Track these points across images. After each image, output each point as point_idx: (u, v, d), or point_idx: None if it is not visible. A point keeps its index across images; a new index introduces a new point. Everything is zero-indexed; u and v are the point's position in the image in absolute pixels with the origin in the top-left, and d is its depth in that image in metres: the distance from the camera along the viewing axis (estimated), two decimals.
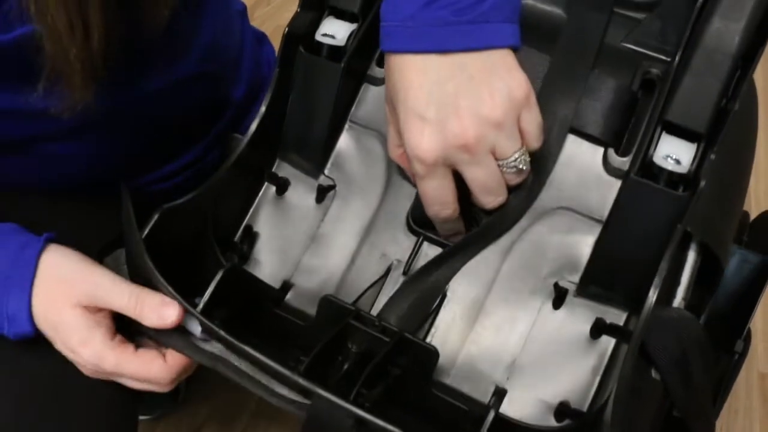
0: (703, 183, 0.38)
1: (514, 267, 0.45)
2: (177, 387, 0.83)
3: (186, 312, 0.39)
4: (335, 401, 0.35)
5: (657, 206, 0.40)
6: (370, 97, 0.50)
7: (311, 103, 0.48)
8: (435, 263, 0.44)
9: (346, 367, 0.39)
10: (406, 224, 0.47)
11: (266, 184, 0.50)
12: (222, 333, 0.37)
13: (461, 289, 0.45)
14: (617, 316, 0.43)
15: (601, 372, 0.42)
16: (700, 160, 0.40)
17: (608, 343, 0.43)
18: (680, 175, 0.40)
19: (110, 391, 0.46)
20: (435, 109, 0.38)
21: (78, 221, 0.53)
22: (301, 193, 0.50)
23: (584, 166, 0.45)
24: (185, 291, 0.39)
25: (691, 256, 0.42)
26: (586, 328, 0.43)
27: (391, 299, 0.44)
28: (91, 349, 0.40)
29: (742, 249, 0.53)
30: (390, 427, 0.34)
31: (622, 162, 0.44)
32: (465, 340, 0.44)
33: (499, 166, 0.40)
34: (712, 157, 0.39)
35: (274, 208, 0.50)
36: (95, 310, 0.41)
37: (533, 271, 0.45)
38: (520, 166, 0.40)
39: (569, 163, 0.45)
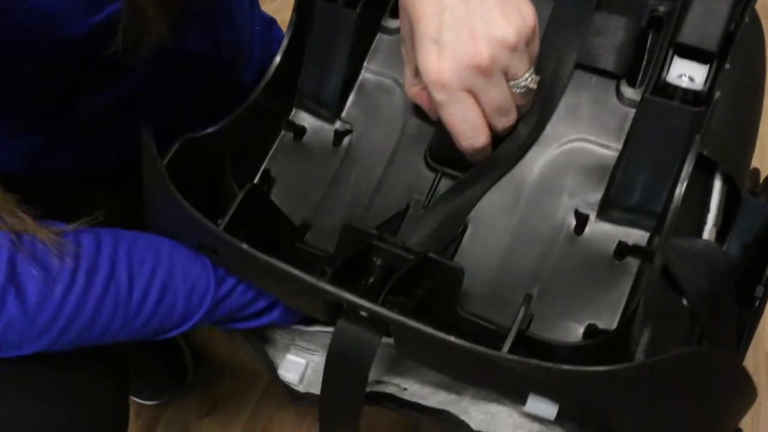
0: (717, 94, 0.39)
1: (534, 196, 0.46)
2: (185, 371, 0.82)
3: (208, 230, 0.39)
4: (365, 304, 0.35)
5: (673, 123, 0.41)
6: (384, 46, 0.51)
7: (327, 50, 0.49)
8: (454, 191, 0.45)
9: (371, 280, 0.39)
10: (424, 162, 0.48)
11: (283, 131, 0.51)
12: (245, 246, 0.37)
13: (483, 218, 0.46)
14: (640, 238, 0.43)
15: (627, 293, 0.42)
16: (713, 79, 0.41)
17: (633, 264, 0.43)
18: (695, 93, 0.41)
19: (98, 377, 0.46)
20: (449, 33, 0.39)
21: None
22: (318, 139, 0.50)
23: (598, 99, 0.46)
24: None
25: (717, 184, 0.43)
26: (610, 251, 0.43)
27: (413, 226, 0.44)
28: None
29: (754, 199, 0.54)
30: (422, 326, 0.34)
31: (636, 92, 0.45)
32: (489, 267, 0.44)
33: (510, 87, 0.41)
34: (727, 66, 0.40)
35: (292, 153, 0.50)
36: None
37: (553, 200, 0.45)
38: (531, 86, 0.41)
39: (583, 97, 0.46)
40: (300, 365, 0.49)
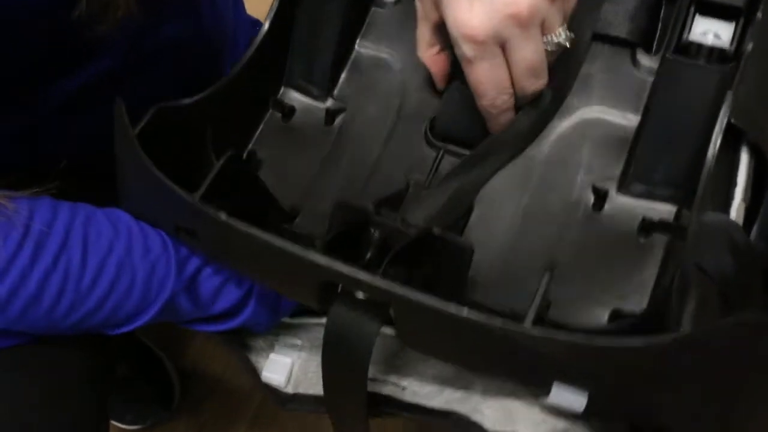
0: (749, 49, 0.36)
1: (547, 173, 0.41)
2: (171, 393, 0.77)
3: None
4: (362, 276, 0.30)
5: (698, 85, 0.37)
6: (378, 20, 0.47)
7: (317, 25, 0.46)
8: (462, 168, 0.41)
9: (368, 256, 0.35)
10: (424, 139, 0.44)
11: (271, 111, 0.47)
12: (224, 215, 0.33)
13: (490, 197, 0.41)
14: (666, 213, 0.39)
15: (655, 273, 0.38)
16: (740, 36, 0.38)
17: (660, 241, 0.38)
18: (721, 51, 0.38)
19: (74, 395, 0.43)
20: None
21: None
22: (308, 119, 0.46)
23: (613, 68, 0.42)
24: None
25: (744, 157, 0.39)
26: (633, 228, 0.39)
27: (414, 206, 0.40)
28: None
29: None
30: (428, 298, 0.29)
31: (653, 59, 0.42)
32: (499, 250, 0.40)
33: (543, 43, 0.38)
34: (750, 46, 0.36)
35: (281, 135, 0.46)
36: None
37: (568, 176, 0.41)
38: (564, 42, 0.38)
39: (597, 67, 0.43)
40: (285, 365, 0.44)
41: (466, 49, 0.37)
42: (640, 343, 0.27)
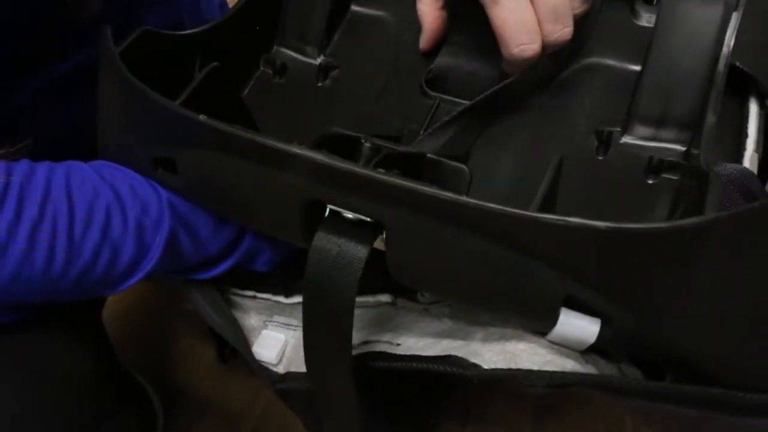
0: None
1: (550, 119, 0.40)
2: (153, 422, 0.71)
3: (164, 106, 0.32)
4: (345, 166, 0.27)
5: (702, 18, 0.36)
6: None
7: None
8: (465, 115, 0.39)
9: (360, 163, 0.32)
10: (420, 91, 0.42)
11: (262, 68, 0.45)
12: (203, 117, 0.30)
13: (487, 144, 0.39)
14: (674, 154, 0.37)
15: (665, 215, 0.35)
16: None
17: (669, 183, 0.36)
18: None
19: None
20: None
21: None
22: (301, 76, 0.45)
23: (612, 19, 0.42)
24: None
25: (753, 108, 0.38)
26: (641, 170, 0.37)
27: (411, 147, 0.38)
28: None
29: None
30: (426, 186, 0.26)
31: (652, 9, 0.41)
32: (501, 196, 0.37)
33: None
34: None
35: (271, 92, 0.45)
36: None
37: (569, 122, 0.39)
38: None
39: (596, 19, 0.42)
40: (278, 341, 0.41)
41: None
42: (662, 227, 0.25)
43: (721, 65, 0.35)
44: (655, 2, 0.42)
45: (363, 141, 0.33)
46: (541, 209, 0.27)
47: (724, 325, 0.28)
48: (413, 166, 0.33)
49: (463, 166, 0.33)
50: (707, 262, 0.26)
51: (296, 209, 0.32)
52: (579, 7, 0.37)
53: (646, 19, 0.41)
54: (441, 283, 0.32)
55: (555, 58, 0.39)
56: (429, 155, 0.33)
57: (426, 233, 0.29)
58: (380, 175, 0.27)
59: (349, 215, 0.31)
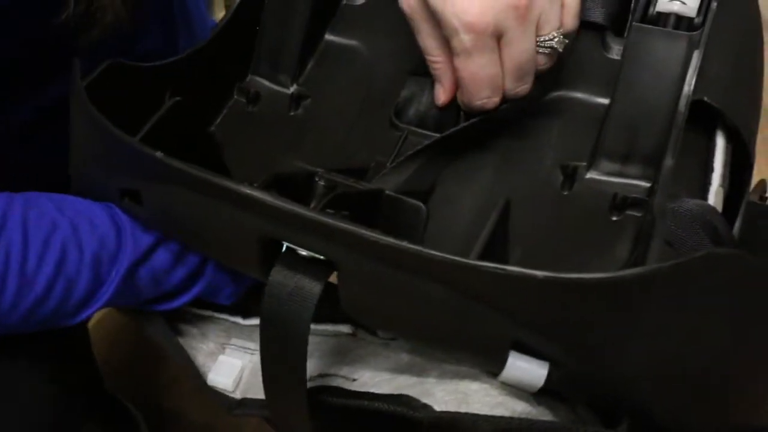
0: (714, 4, 0.35)
1: (516, 152, 0.40)
2: None
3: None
4: (297, 210, 0.28)
5: (666, 54, 0.36)
6: (350, 13, 0.47)
7: (287, 14, 0.46)
8: (426, 151, 0.38)
9: (312, 205, 0.32)
10: (389, 123, 0.42)
11: (235, 97, 0.46)
12: (159, 153, 0.30)
13: (453, 176, 0.39)
14: (638, 191, 0.37)
15: (627, 252, 0.35)
16: (707, 6, 0.37)
17: (633, 220, 0.36)
18: (689, 20, 0.37)
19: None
20: None
21: None
22: (273, 106, 0.45)
23: (583, 52, 0.41)
24: None
25: (720, 142, 0.37)
26: (605, 206, 0.37)
27: (374, 182, 0.38)
28: None
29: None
30: (373, 232, 0.26)
31: (623, 41, 0.41)
32: (464, 232, 0.37)
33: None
34: (714, 5, 0.36)
35: (244, 120, 0.45)
36: None
37: (535, 156, 0.39)
38: (557, 46, 0.37)
39: (567, 51, 0.42)
40: (234, 367, 0.41)
41: (465, 40, 0.35)
42: (602, 277, 0.24)
43: (682, 105, 0.35)
44: (626, 35, 0.41)
45: (317, 179, 0.33)
46: (483, 255, 0.27)
47: (669, 373, 0.27)
48: (370, 203, 0.33)
49: (420, 204, 0.33)
50: (649, 310, 0.26)
51: (253, 245, 0.32)
52: (544, 63, 0.37)
53: (617, 52, 0.41)
54: (391, 322, 0.32)
55: (520, 102, 0.39)
56: (387, 192, 0.33)
57: (374, 274, 0.29)
58: (325, 218, 0.28)
59: (303, 252, 0.31)
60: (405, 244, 0.26)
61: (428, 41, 0.38)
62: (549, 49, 0.37)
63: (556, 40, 0.37)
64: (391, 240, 0.26)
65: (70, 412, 0.45)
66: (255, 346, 0.41)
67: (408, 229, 0.33)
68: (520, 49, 0.36)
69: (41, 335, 0.38)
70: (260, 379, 0.40)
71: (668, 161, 0.32)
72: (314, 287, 0.31)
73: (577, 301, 0.26)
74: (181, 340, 0.42)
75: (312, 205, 0.33)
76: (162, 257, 0.37)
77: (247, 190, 0.29)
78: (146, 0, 0.48)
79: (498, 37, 0.35)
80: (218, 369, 0.41)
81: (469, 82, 0.37)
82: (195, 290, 0.39)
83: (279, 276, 0.31)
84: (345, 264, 0.30)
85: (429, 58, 0.39)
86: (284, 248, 0.32)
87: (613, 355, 0.27)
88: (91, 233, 0.36)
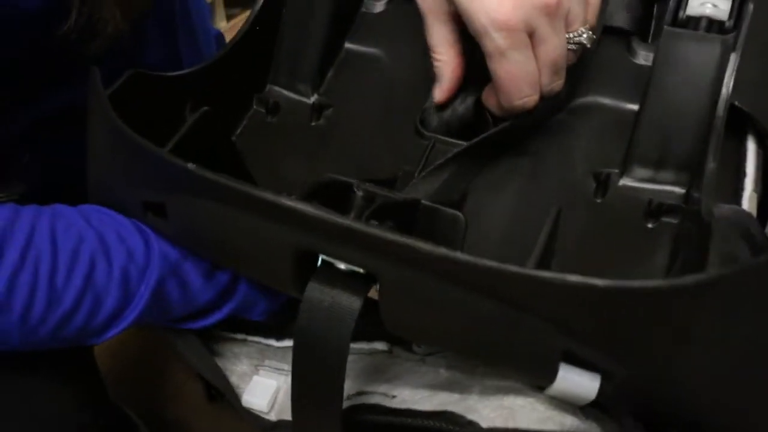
0: (747, 22, 0.34)
1: (547, 160, 0.39)
2: None
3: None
4: (337, 220, 0.26)
5: (699, 57, 0.36)
6: (368, 18, 0.47)
7: (305, 21, 0.45)
8: (459, 158, 0.38)
9: (351, 215, 0.31)
10: (414, 131, 0.42)
11: (254, 108, 0.45)
12: (191, 165, 0.29)
13: (488, 184, 0.38)
14: (674, 197, 0.36)
15: (666, 260, 0.34)
16: (738, 9, 0.37)
17: (669, 226, 0.35)
18: (720, 24, 0.36)
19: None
20: None
21: None
22: (294, 116, 0.44)
23: (609, 57, 0.41)
24: None
25: (752, 147, 0.37)
26: (640, 213, 0.36)
27: (405, 191, 0.37)
28: None
29: None
30: (417, 241, 0.26)
31: (650, 47, 0.40)
32: (497, 241, 0.36)
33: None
34: (750, 7, 0.36)
35: (264, 131, 0.44)
36: None
37: (566, 163, 0.39)
38: (585, 42, 0.36)
39: (593, 57, 0.41)
40: (269, 388, 0.40)
41: (498, 39, 0.34)
42: (663, 284, 0.24)
43: (721, 109, 0.34)
44: (650, 40, 0.41)
45: (355, 189, 0.32)
46: (539, 265, 0.27)
47: (729, 382, 0.27)
48: (408, 213, 0.32)
49: (459, 214, 0.32)
50: (709, 317, 0.25)
51: (288, 259, 0.31)
52: (572, 60, 0.37)
53: (643, 57, 0.40)
54: (435, 336, 0.31)
55: (552, 101, 0.38)
56: (424, 202, 0.33)
57: (419, 287, 0.28)
58: (372, 229, 0.27)
59: (342, 266, 0.30)
60: (461, 255, 0.25)
61: (437, 38, 0.38)
62: (577, 45, 0.37)
63: (584, 36, 0.37)
64: (446, 251, 0.25)
65: (75, 421, 0.43)
66: (289, 367, 0.40)
67: (446, 239, 0.32)
68: (553, 45, 0.35)
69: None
70: None
71: (710, 165, 0.31)
72: (353, 302, 0.30)
73: (635, 309, 0.25)
74: (216, 360, 0.41)
75: (352, 215, 0.32)
76: (192, 272, 0.36)
77: (289, 203, 0.28)
78: (148, 11, 0.48)
79: (530, 34, 0.35)
80: (253, 390, 0.40)
81: (507, 81, 0.36)
82: (227, 307, 0.38)
83: (315, 292, 0.30)
84: (388, 277, 0.29)
85: (434, 55, 0.39)
86: (320, 262, 0.31)
87: (669, 365, 0.26)
88: (119, 246, 0.35)
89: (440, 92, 0.40)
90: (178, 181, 0.32)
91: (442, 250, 0.25)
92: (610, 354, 0.27)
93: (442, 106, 0.41)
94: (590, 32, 0.37)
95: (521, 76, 0.35)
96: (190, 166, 0.30)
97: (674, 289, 0.24)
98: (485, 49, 0.35)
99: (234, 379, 0.40)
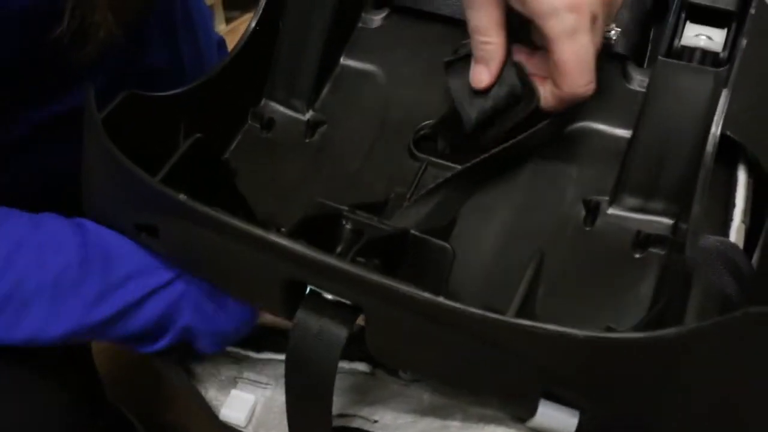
0: (744, 44, 0.34)
1: (535, 186, 0.39)
2: None
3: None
4: (325, 260, 0.27)
5: (692, 90, 0.36)
6: (365, 34, 0.47)
7: (302, 38, 0.45)
8: (451, 182, 0.38)
9: (339, 248, 0.32)
10: (407, 152, 0.42)
11: (249, 123, 0.45)
12: (182, 196, 0.30)
13: (475, 209, 0.39)
14: (662, 227, 0.36)
15: (651, 291, 0.35)
16: (733, 41, 0.37)
17: (656, 257, 0.36)
18: (714, 56, 0.36)
19: None
20: None
21: None
22: (288, 131, 0.44)
23: (604, 81, 0.41)
24: None
25: (742, 176, 0.37)
26: (628, 243, 0.36)
27: (396, 212, 0.37)
28: None
29: None
30: (402, 284, 0.26)
31: (644, 72, 0.40)
32: (486, 265, 0.37)
33: None
34: (744, 43, 0.36)
35: (258, 147, 0.44)
36: None
37: (557, 190, 0.39)
38: (613, 38, 0.37)
39: None
40: (247, 402, 0.40)
41: (569, 20, 0.33)
42: (642, 337, 0.24)
43: (710, 146, 0.34)
44: (645, 65, 0.41)
45: (344, 222, 0.32)
46: (521, 310, 0.27)
47: (708, 422, 0.27)
48: (396, 244, 0.32)
49: (447, 246, 0.33)
50: (688, 365, 0.26)
51: (277, 287, 0.32)
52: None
53: (638, 83, 0.40)
54: (419, 366, 0.32)
55: (554, 123, 0.38)
56: (413, 232, 0.33)
57: (404, 323, 0.28)
58: (358, 270, 0.27)
59: (329, 296, 0.31)
60: (442, 300, 0.25)
61: (487, 20, 0.37)
62: (606, 41, 0.36)
63: (612, 32, 0.37)
64: (428, 296, 0.25)
65: (74, 422, 0.44)
66: (267, 380, 0.41)
67: (434, 269, 0.33)
68: (601, 36, 0.35)
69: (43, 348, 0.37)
70: (273, 414, 0.39)
71: (696, 208, 0.32)
72: (341, 332, 0.30)
73: (615, 358, 0.25)
74: (193, 371, 0.41)
75: (339, 249, 0.32)
76: (129, 294, 0.36)
77: (278, 239, 0.28)
78: (146, 13, 0.47)
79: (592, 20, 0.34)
80: (231, 404, 0.40)
81: (574, 64, 0.34)
82: (169, 336, 0.37)
83: (304, 318, 0.31)
84: (374, 311, 0.29)
85: (482, 38, 0.37)
86: (308, 290, 0.31)
87: (647, 408, 0.27)
88: (55, 257, 0.34)
89: (488, 75, 0.38)
90: (169, 208, 0.32)
91: (426, 296, 0.26)
92: (590, 396, 0.27)
93: (482, 92, 0.39)
94: (619, 30, 0.37)
95: (588, 60, 0.34)
96: (182, 197, 0.30)
97: (653, 340, 0.24)
98: (550, 32, 0.34)
99: (212, 392, 0.40)
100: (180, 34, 0.52)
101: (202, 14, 0.60)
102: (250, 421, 0.40)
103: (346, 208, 0.34)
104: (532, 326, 0.25)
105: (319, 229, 0.32)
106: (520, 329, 0.25)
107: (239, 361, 0.42)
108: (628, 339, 0.24)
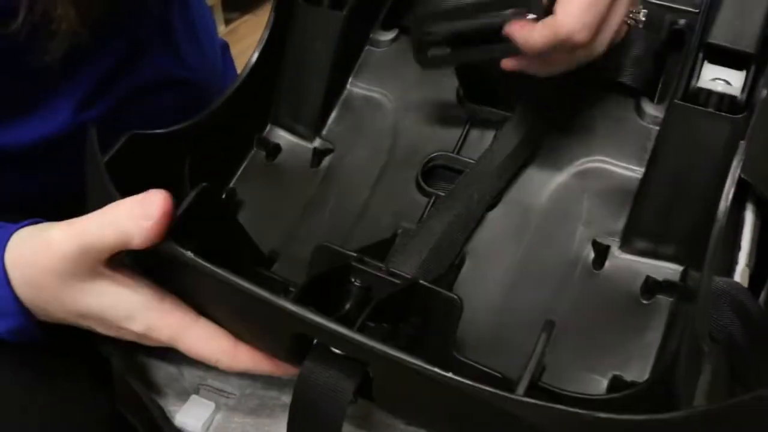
0: (764, 93, 0.33)
1: (544, 224, 0.39)
2: None
3: None
4: (335, 328, 0.27)
5: (708, 135, 0.35)
6: (372, 59, 0.46)
7: (308, 59, 0.44)
8: (446, 204, 0.38)
9: (347, 306, 0.31)
10: (415, 186, 0.41)
11: (255, 149, 0.44)
12: (189, 254, 0.29)
13: (483, 249, 0.38)
14: (672, 272, 0.36)
15: (659, 338, 0.35)
16: (752, 84, 0.36)
17: (665, 303, 0.35)
18: (731, 99, 0.35)
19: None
20: None
21: None
22: (294, 159, 0.44)
23: (616, 117, 0.40)
24: None
25: (749, 217, 0.36)
26: (636, 288, 0.36)
27: (399, 252, 0.37)
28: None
29: None
30: (408, 357, 0.26)
31: (658, 108, 0.40)
32: (491, 308, 0.37)
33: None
34: (764, 92, 0.35)
35: (264, 174, 0.44)
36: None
37: (566, 229, 0.38)
38: (642, 19, 0.40)
39: (599, 115, 0.40)
40: (206, 409, 0.38)
41: None
42: (646, 420, 0.24)
43: (729, 182, 0.34)
44: (657, 101, 0.40)
45: (353, 278, 0.32)
46: (529, 390, 0.27)
47: None
48: (405, 298, 0.32)
49: (455, 297, 0.32)
50: None
51: (284, 339, 0.32)
52: (620, 36, 0.38)
53: (651, 119, 0.40)
54: (426, 422, 0.32)
55: (519, 133, 0.39)
56: (422, 282, 0.33)
57: (411, 386, 0.28)
58: (366, 340, 0.27)
59: (337, 351, 0.30)
60: (450, 375, 0.25)
61: None
62: (633, 21, 0.39)
63: (641, 14, 0.39)
64: (437, 372, 0.25)
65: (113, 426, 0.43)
66: (232, 389, 0.39)
67: (442, 321, 0.33)
68: (619, 13, 0.36)
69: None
70: (234, 425, 0.38)
71: (707, 275, 0.31)
72: (347, 385, 0.30)
73: None
74: (154, 375, 0.40)
75: (348, 307, 0.32)
76: None
77: (287, 305, 0.28)
78: (144, 12, 0.46)
79: None
80: (188, 410, 0.38)
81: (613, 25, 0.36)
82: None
83: (310, 368, 0.30)
84: (380, 373, 0.29)
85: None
86: (315, 342, 0.31)
87: None
88: None
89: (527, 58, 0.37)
90: (178, 266, 0.32)
91: (433, 369, 0.26)
92: None
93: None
94: (646, 11, 0.39)
95: (598, 4, 0.34)
96: (188, 254, 0.30)
97: (662, 423, 0.24)
98: None
99: (172, 398, 0.39)
100: (181, 38, 0.51)
101: (205, 18, 0.58)
102: (207, 430, 0.38)
103: (353, 255, 0.34)
104: (542, 406, 0.25)
105: (326, 284, 0.31)
106: (528, 405, 0.25)
107: (206, 367, 0.39)
108: (634, 420, 0.24)
